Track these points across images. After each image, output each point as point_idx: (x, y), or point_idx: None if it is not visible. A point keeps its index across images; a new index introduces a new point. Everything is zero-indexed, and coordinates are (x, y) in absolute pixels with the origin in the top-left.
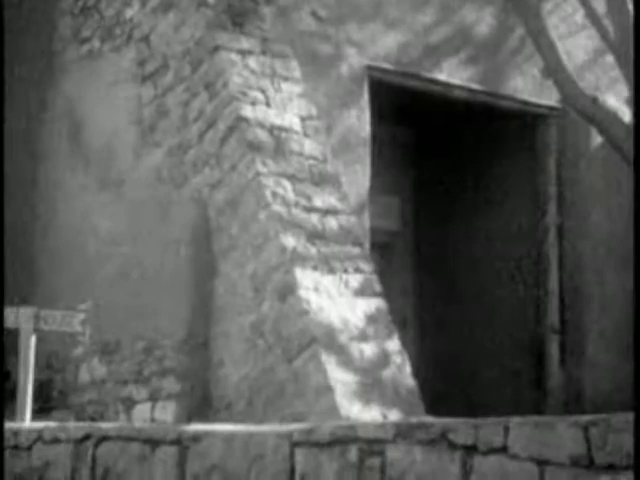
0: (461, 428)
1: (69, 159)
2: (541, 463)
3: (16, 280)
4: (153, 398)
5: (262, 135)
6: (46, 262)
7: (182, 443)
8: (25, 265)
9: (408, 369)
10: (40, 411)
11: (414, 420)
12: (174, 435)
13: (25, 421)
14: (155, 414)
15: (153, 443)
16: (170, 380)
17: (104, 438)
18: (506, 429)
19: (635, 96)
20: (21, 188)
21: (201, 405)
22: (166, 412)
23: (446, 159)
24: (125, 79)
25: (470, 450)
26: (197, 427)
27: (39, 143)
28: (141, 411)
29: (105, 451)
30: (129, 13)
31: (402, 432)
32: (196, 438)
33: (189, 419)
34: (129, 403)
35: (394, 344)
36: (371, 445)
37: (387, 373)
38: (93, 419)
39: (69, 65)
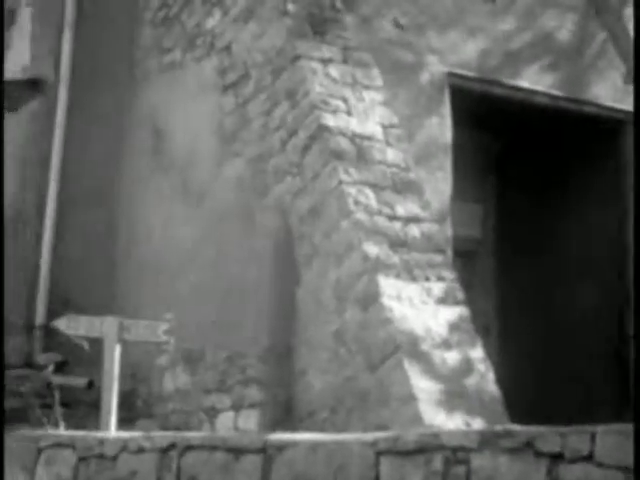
0: (547, 436)
1: (150, 169)
2: (627, 471)
3: (100, 290)
4: (236, 407)
5: (344, 143)
6: (129, 272)
7: (266, 452)
8: (108, 275)
9: (492, 377)
10: (124, 421)
11: (499, 428)
12: (258, 444)
13: (110, 431)
14: (238, 423)
15: (237, 452)
16: (253, 389)
17: (189, 447)
18: (592, 437)
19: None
20: (103, 198)
21: (284, 414)
22: (249, 421)
23: (528, 165)
24: (206, 89)
25: (556, 458)
26: (281, 436)
27: (122, 152)
28: (224, 420)
29: (190, 460)
30: (210, 23)
31: (487, 440)
32: (280, 447)
33: (273, 428)
34: (213, 412)
35: (477, 352)
36: (456, 453)
37: (470, 381)
38: (177, 428)
39: (151, 75)
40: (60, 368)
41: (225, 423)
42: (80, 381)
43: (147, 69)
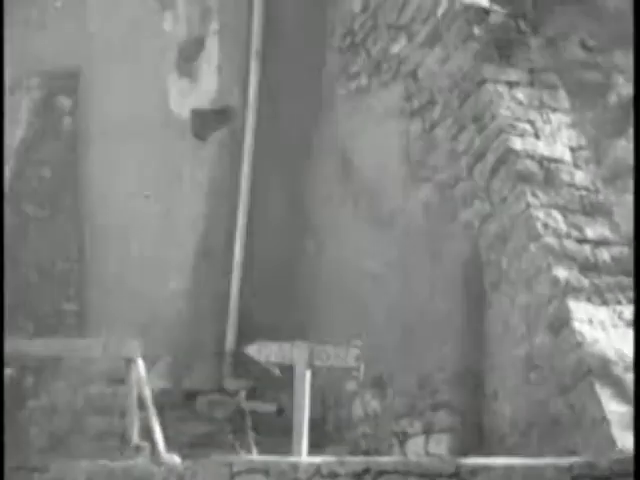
0: None
1: (338, 195)
2: None
3: (288, 316)
4: (427, 432)
5: (532, 166)
6: (318, 298)
7: (460, 476)
8: (296, 301)
9: None
10: (314, 446)
11: None
12: (451, 468)
13: (301, 456)
14: (429, 448)
15: (430, 477)
16: (443, 413)
17: (382, 472)
18: None
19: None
20: (290, 225)
21: (474, 438)
22: (440, 446)
23: None
24: (393, 114)
25: None
26: (474, 460)
27: (309, 179)
28: (415, 445)
29: None
30: (396, 48)
31: None
32: (474, 471)
33: (463, 452)
34: (403, 437)
35: None
36: None
37: None
38: (367, 453)
39: (338, 101)
40: (251, 394)
41: (415, 448)
42: (270, 407)
43: (335, 95)
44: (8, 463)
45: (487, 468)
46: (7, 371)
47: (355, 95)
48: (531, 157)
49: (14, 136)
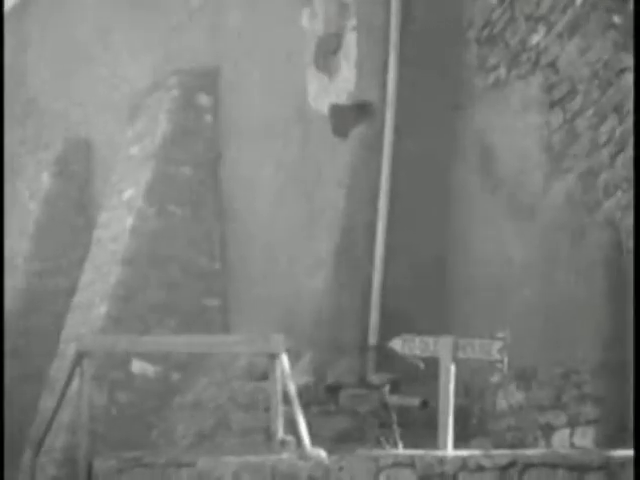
0: None
1: (479, 187)
2: None
3: (431, 309)
4: (572, 424)
5: None
6: (461, 291)
7: (609, 469)
8: (439, 294)
9: None
10: (458, 439)
11: None
12: (601, 461)
13: (447, 449)
14: (574, 440)
15: (579, 469)
16: (589, 405)
17: (529, 465)
18: None
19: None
20: (431, 218)
21: (619, 430)
22: (585, 438)
23: None
24: (532, 106)
25: None
26: (623, 453)
27: (450, 172)
28: (560, 437)
29: (530, 478)
30: (535, 39)
31: None
32: (623, 464)
33: (608, 445)
34: (547, 429)
35: None
36: None
37: None
38: (512, 446)
39: (476, 94)
40: (394, 388)
41: (561, 440)
42: (414, 401)
43: (472, 88)
44: (158, 459)
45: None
46: (152, 368)
47: (494, 87)
48: None
49: (155, 135)
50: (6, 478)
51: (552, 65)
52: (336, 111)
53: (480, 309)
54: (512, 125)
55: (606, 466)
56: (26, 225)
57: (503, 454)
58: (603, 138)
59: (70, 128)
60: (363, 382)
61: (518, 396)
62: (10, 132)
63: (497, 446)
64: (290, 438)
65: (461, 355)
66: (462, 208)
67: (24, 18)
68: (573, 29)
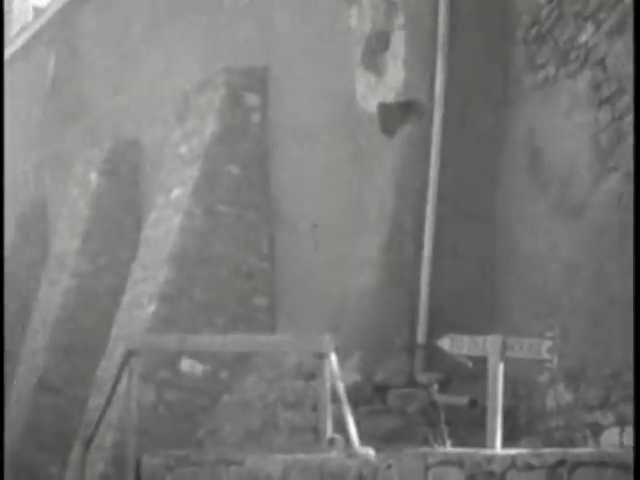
0: None
1: (527, 186)
2: None
3: (479, 308)
4: (621, 423)
5: None
6: (510, 290)
7: None
8: (487, 293)
9: None
10: (506, 438)
11: None
12: None
13: (496, 448)
14: (624, 439)
15: (628, 469)
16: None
17: (578, 464)
18: None
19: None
20: (479, 217)
21: None
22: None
23: None
24: (581, 104)
25: None
26: None
27: (498, 171)
28: (609, 437)
29: (579, 477)
30: (583, 37)
31: None
32: None
33: None
34: (596, 429)
35: None
36: None
37: None
38: (561, 445)
39: (525, 93)
40: (442, 387)
41: (610, 440)
42: (462, 400)
43: (521, 87)
44: (206, 457)
45: None
46: (200, 367)
47: (542, 86)
48: None
49: (203, 134)
50: (56, 474)
51: (600, 63)
52: (384, 110)
53: (529, 308)
54: (560, 123)
55: None
56: (75, 224)
57: (552, 453)
58: None
59: (119, 127)
60: (411, 381)
61: (567, 396)
62: (60, 131)
63: (545, 446)
64: (339, 437)
65: (510, 354)
66: (510, 206)
67: (76, 17)
68: (621, 27)
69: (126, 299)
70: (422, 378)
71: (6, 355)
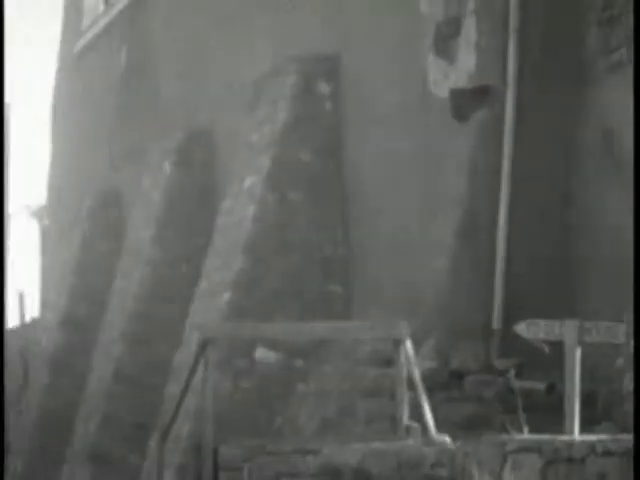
0: None
1: (601, 170)
2: None
3: (556, 292)
4: None
5: None
6: (585, 274)
7: None
8: (564, 277)
9: None
10: (585, 422)
11: None
12: None
13: (574, 433)
14: None
15: None
16: None
17: None
18: None
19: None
20: (553, 200)
21: None
22: None
23: None
24: None
25: None
26: None
27: (571, 155)
28: None
29: None
30: None
31: None
32: None
33: None
34: None
35: None
36: None
37: None
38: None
39: (599, 76)
40: (519, 372)
41: None
42: (540, 385)
43: (595, 70)
44: (283, 447)
45: None
46: (275, 355)
47: (615, 69)
48: None
49: (275, 122)
50: (134, 464)
51: None
52: (456, 95)
53: (605, 292)
54: (633, 106)
55: None
56: (149, 214)
57: (630, 439)
58: None
59: (191, 117)
60: (487, 367)
61: None
62: (133, 122)
63: (624, 431)
64: (415, 424)
65: (587, 339)
66: (584, 190)
67: (147, 10)
68: None
69: (201, 288)
70: (498, 364)
71: (81, 348)
